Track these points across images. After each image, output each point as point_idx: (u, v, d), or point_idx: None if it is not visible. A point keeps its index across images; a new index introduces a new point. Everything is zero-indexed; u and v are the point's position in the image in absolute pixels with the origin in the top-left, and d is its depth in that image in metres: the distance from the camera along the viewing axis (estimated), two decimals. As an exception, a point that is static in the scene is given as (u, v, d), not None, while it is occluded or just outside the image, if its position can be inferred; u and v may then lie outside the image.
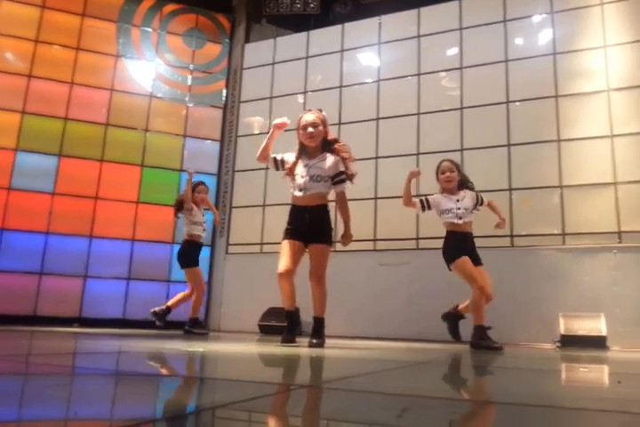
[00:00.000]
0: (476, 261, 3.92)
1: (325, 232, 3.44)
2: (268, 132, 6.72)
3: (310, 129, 3.43)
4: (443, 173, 4.13)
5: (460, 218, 4.00)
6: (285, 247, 3.40)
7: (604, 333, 4.51)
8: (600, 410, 1.26)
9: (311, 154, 3.49)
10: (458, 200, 4.03)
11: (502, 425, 1.13)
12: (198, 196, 5.13)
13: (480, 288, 3.70)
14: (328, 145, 3.49)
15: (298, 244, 3.39)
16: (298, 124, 3.51)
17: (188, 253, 5.03)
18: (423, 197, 4.19)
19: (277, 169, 3.59)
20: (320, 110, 3.59)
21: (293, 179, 3.49)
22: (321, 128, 3.45)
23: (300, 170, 3.46)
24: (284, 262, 3.35)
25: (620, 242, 4.93)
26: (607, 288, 4.81)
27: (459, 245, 3.91)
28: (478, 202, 4.06)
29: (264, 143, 3.56)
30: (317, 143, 3.47)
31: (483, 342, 3.64)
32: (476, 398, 1.40)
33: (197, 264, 5.05)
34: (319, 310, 3.42)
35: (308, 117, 3.47)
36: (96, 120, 6.60)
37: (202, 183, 5.23)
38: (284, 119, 3.50)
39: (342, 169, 3.43)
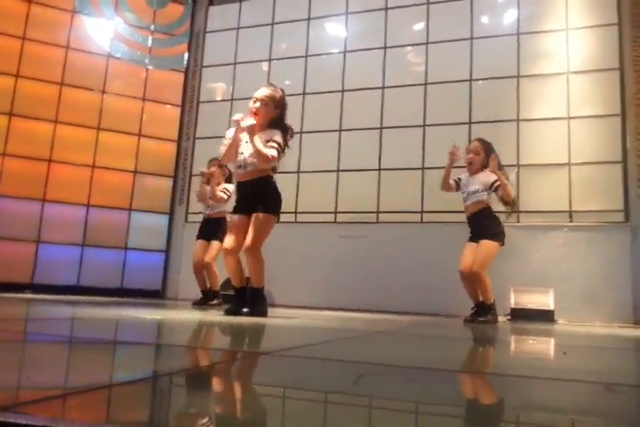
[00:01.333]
0: (478, 238, 4.01)
1: (264, 202, 3.32)
2: (230, 100, 6.71)
3: (257, 104, 3.33)
4: (467, 153, 4.15)
5: (465, 201, 4.09)
6: (230, 224, 3.49)
7: (551, 307, 4.73)
8: (547, 378, 1.32)
9: (254, 131, 3.28)
10: (468, 182, 4.11)
11: (453, 390, 1.18)
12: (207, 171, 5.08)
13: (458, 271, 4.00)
14: (274, 125, 3.37)
15: (242, 218, 3.36)
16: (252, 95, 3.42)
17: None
18: (456, 178, 4.22)
19: None
20: (282, 90, 3.48)
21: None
22: (270, 107, 3.34)
23: (242, 146, 3.36)
24: (227, 240, 3.40)
25: (570, 221, 5.11)
26: (557, 265, 5.00)
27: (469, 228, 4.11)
28: (491, 188, 4.02)
29: (227, 143, 3.37)
30: (261, 122, 3.32)
31: (466, 317, 3.99)
32: (427, 366, 1.45)
33: (199, 237, 5.11)
34: (256, 281, 3.36)
35: (261, 91, 3.38)
36: (50, 79, 6.31)
37: (215, 159, 5.11)
38: (241, 115, 3.34)
39: (276, 139, 3.31)
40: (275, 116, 3.37)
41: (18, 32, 6.19)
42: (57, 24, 6.46)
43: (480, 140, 4.23)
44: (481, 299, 3.97)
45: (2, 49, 6.10)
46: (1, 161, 5.93)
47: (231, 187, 4.90)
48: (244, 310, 3.27)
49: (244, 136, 3.35)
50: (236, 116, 3.36)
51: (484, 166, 4.09)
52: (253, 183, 3.35)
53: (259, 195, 3.33)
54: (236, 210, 3.44)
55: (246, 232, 3.32)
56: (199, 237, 5.12)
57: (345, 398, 1.01)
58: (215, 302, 4.95)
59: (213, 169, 5.00)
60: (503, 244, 4.03)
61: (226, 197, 4.98)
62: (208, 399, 0.97)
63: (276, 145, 3.28)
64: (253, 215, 3.31)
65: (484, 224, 4.01)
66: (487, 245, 3.97)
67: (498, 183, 3.98)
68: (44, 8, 6.40)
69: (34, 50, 6.26)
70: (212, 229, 5.02)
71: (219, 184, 5.06)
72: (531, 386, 1.22)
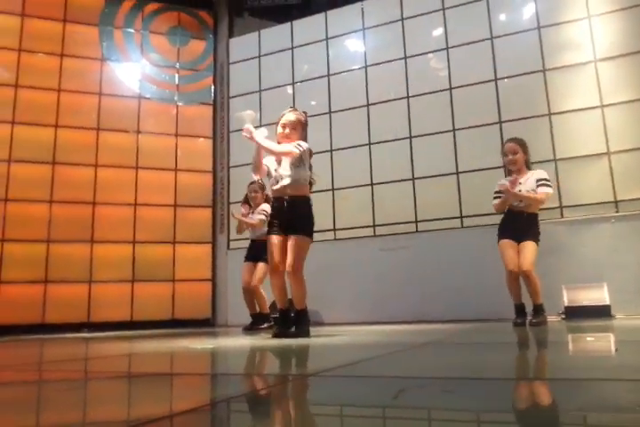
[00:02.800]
0: (522, 238, 3.91)
1: (301, 224, 3.39)
2: (259, 126, 6.81)
3: (287, 130, 3.48)
4: (506, 156, 4.05)
5: (521, 201, 3.96)
6: (270, 245, 3.45)
7: (607, 301, 4.52)
8: (598, 379, 1.27)
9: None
10: (520, 183, 3.94)
11: (497, 402, 1.15)
12: (249, 195, 5.13)
13: (507, 271, 3.87)
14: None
15: (280, 238, 3.41)
16: (278, 120, 3.56)
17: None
18: (495, 194, 4.07)
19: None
20: (305, 113, 3.65)
21: (270, 175, 3.51)
22: (299, 130, 3.51)
23: (273, 165, 3.48)
24: (270, 261, 3.45)
25: (617, 211, 4.93)
26: (607, 258, 4.81)
27: (505, 226, 4.01)
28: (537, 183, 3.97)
29: (253, 156, 3.47)
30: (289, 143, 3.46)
31: (515, 319, 3.86)
32: (471, 376, 1.42)
33: (247, 260, 5.10)
34: (299, 303, 3.40)
35: (287, 116, 3.52)
36: (87, 125, 6.59)
37: (252, 183, 5.21)
38: (247, 126, 3.38)
39: (300, 142, 3.45)
40: (302, 138, 3.53)
41: (53, 84, 6.52)
42: (88, 73, 6.76)
43: (513, 139, 4.14)
44: (536, 300, 3.86)
45: (41, 102, 6.42)
46: (49, 208, 6.20)
47: (267, 207, 4.89)
48: (292, 331, 3.31)
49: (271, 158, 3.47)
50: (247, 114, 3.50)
51: (526, 163, 4.04)
52: (292, 201, 3.42)
53: (295, 215, 3.40)
54: (272, 230, 3.48)
55: (286, 251, 3.37)
56: (247, 259, 5.10)
57: (383, 413, 1.01)
58: (265, 325, 4.94)
59: (257, 195, 5.06)
60: None
61: (265, 218, 4.93)
62: (261, 425, 0.98)
63: (299, 146, 3.40)
64: (292, 237, 3.35)
65: (533, 225, 3.98)
66: (533, 245, 3.88)
67: (544, 182, 3.95)
68: (75, 59, 6.71)
69: (69, 100, 6.56)
70: (258, 251, 4.95)
71: (259, 206, 5.06)
72: (576, 389, 1.18)
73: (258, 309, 5.02)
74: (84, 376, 1.86)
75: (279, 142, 3.50)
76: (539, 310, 3.84)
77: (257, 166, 3.46)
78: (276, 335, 3.34)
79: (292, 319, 3.42)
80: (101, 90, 6.77)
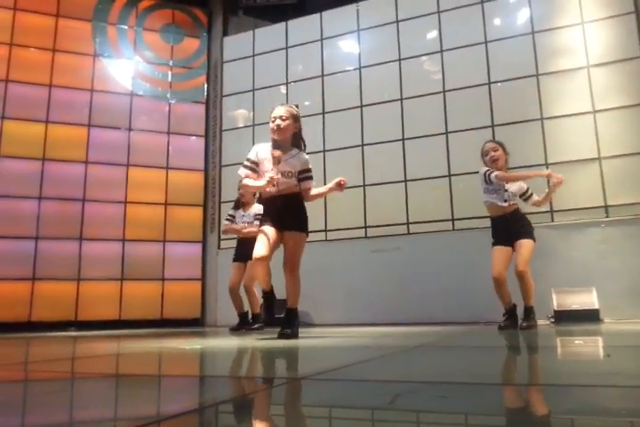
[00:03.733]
0: (516, 237, 3.91)
1: (297, 220, 3.39)
2: (252, 126, 6.80)
3: (278, 122, 3.41)
4: (487, 155, 4.02)
5: (506, 201, 3.95)
6: (261, 234, 3.38)
7: (596, 306, 4.56)
8: (586, 385, 1.27)
9: (280, 148, 3.40)
10: (506, 190, 3.97)
11: (491, 407, 1.15)
12: (239, 192, 5.04)
13: (493, 278, 3.85)
14: (297, 140, 3.51)
15: (273, 230, 3.35)
16: (269, 117, 3.51)
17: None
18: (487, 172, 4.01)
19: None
20: (296, 106, 3.58)
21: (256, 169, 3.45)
22: (289, 122, 3.42)
23: (270, 166, 3.37)
24: (259, 248, 3.33)
25: (607, 216, 4.97)
26: (597, 262, 4.86)
27: (496, 231, 4.00)
28: (525, 194, 4.07)
29: (254, 185, 3.45)
30: (285, 137, 3.43)
31: (501, 323, 3.83)
32: (464, 381, 1.41)
33: (234, 260, 5.04)
34: (293, 301, 3.39)
35: (277, 111, 3.46)
36: (78, 121, 6.54)
37: None
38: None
39: (309, 166, 3.47)
40: (296, 130, 3.50)
41: (45, 80, 6.46)
42: (80, 68, 6.71)
43: (491, 140, 4.18)
44: (528, 302, 3.85)
45: (32, 98, 6.36)
46: (38, 204, 6.14)
47: (262, 209, 4.90)
48: (285, 331, 3.29)
49: (270, 156, 3.38)
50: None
51: (505, 161, 4.05)
52: (284, 198, 3.40)
53: (290, 211, 3.39)
54: (266, 222, 3.42)
55: (277, 242, 3.35)
56: (236, 258, 5.01)
57: (380, 417, 1.00)
58: (256, 326, 4.89)
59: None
60: None
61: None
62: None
63: (311, 174, 3.47)
64: (288, 234, 3.35)
65: (523, 224, 3.96)
66: (529, 243, 3.88)
67: (531, 192, 4.06)
68: (67, 55, 6.66)
69: (61, 95, 6.51)
70: (248, 249, 4.91)
71: (249, 204, 5.02)
72: (566, 394, 1.17)
73: (247, 309, 4.99)
74: (69, 377, 1.83)
75: (272, 136, 3.45)
76: (529, 312, 3.81)
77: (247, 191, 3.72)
78: (281, 336, 3.30)
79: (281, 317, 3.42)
80: (93, 86, 6.73)
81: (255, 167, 3.42)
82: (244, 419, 1.08)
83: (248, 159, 3.45)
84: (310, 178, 3.46)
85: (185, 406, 1.20)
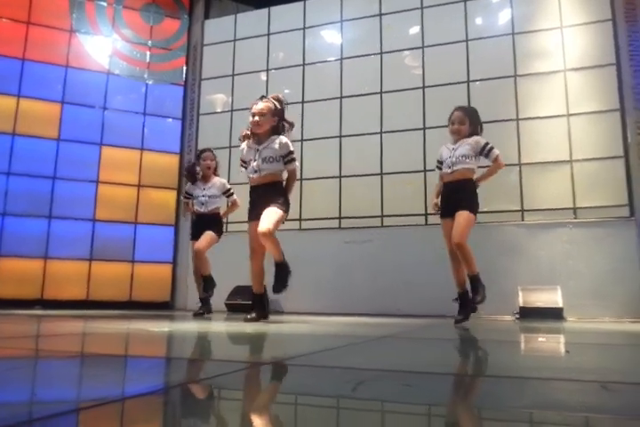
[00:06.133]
0: (456, 209, 3.65)
1: (277, 200, 3.61)
2: (230, 111, 6.74)
3: (257, 118, 3.67)
4: (452, 124, 3.84)
5: (450, 167, 3.71)
6: (251, 229, 3.66)
7: (560, 304, 4.68)
8: (544, 378, 1.32)
9: (261, 139, 3.72)
10: (453, 149, 3.74)
11: (454, 396, 1.19)
12: (203, 163, 4.83)
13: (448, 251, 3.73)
14: (277, 130, 3.74)
15: (257, 223, 3.56)
16: (250, 109, 3.77)
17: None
18: (438, 164, 3.92)
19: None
20: (277, 98, 3.76)
21: (247, 166, 3.76)
22: (267, 117, 3.68)
23: (252, 154, 3.70)
24: (252, 243, 3.65)
25: (575, 218, 5.10)
26: (563, 262, 4.99)
27: (444, 201, 3.79)
28: (482, 152, 3.69)
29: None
30: (264, 130, 3.70)
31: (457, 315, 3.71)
32: (428, 370, 1.46)
33: (192, 238, 4.90)
34: (277, 256, 3.59)
35: (257, 106, 3.71)
36: (51, 98, 6.39)
37: (207, 150, 4.96)
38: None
39: (291, 149, 3.71)
40: (275, 124, 3.74)
41: (17, 53, 6.28)
42: (55, 43, 6.54)
43: (461, 108, 3.96)
44: (471, 270, 3.63)
45: (3, 70, 6.19)
46: (6, 179, 6.00)
47: (226, 182, 4.90)
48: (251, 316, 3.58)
49: (253, 145, 3.73)
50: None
51: (471, 135, 3.78)
52: (266, 187, 3.67)
53: (271, 196, 3.63)
54: (251, 217, 3.69)
55: None
56: (195, 236, 4.80)
57: (342, 405, 1.03)
58: (201, 311, 4.73)
59: (212, 163, 4.83)
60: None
61: (235, 196, 4.89)
62: (209, 412, 0.99)
63: (294, 155, 3.70)
64: (267, 208, 3.56)
65: (466, 197, 3.67)
66: (467, 215, 3.60)
67: (490, 146, 3.71)
68: (42, 29, 6.48)
69: (34, 70, 6.34)
70: (206, 225, 4.74)
71: (213, 174, 4.86)
72: (525, 387, 1.22)
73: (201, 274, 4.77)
74: (33, 355, 1.82)
75: (252, 130, 3.73)
76: (476, 284, 3.62)
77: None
78: (249, 320, 3.54)
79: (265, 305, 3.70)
80: (68, 62, 6.56)
81: (246, 165, 3.76)
82: (204, 402, 1.09)
83: (241, 159, 3.82)
84: (293, 160, 3.69)
85: (147, 386, 1.20)
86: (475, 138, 3.77)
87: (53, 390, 1.13)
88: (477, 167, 3.79)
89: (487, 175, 3.81)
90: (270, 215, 3.53)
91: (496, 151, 3.73)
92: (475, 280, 3.66)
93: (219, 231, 4.82)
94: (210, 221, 4.79)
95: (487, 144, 3.74)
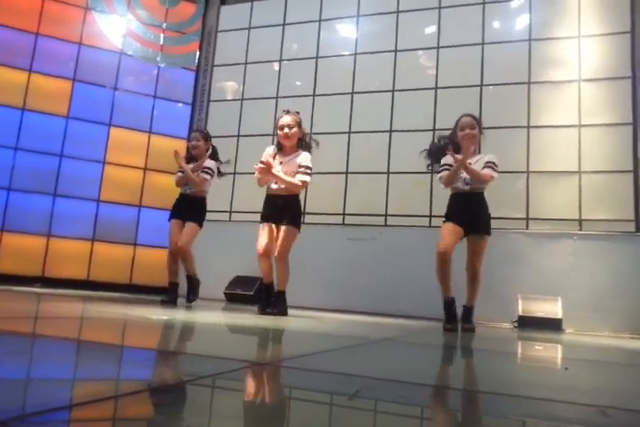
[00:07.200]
0: (474, 226, 3.63)
1: (293, 216, 3.93)
2: (240, 100, 6.72)
3: (286, 130, 3.94)
4: (462, 130, 3.72)
5: (467, 184, 3.67)
6: (262, 230, 3.95)
7: (559, 315, 4.67)
8: (539, 398, 1.33)
9: (286, 152, 4.00)
10: (470, 163, 3.61)
11: (446, 411, 1.20)
12: (189, 144, 4.75)
13: (437, 253, 3.58)
14: (302, 143, 4.07)
15: (272, 226, 3.92)
16: (275, 124, 4.08)
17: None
18: (446, 166, 3.77)
19: None
20: (297, 113, 4.08)
21: None
22: (295, 130, 3.97)
23: (276, 166, 3.91)
24: (262, 244, 3.90)
25: (580, 229, 5.09)
26: (565, 273, 4.97)
27: (457, 208, 3.73)
28: (486, 164, 3.67)
29: (258, 178, 3.97)
30: (292, 143, 3.99)
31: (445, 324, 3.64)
32: (423, 382, 1.46)
33: (170, 218, 4.67)
34: (281, 285, 3.96)
35: (285, 119, 3.98)
36: (63, 75, 6.36)
37: (196, 130, 4.87)
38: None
39: (310, 165, 3.95)
40: (300, 135, 4.04)
41: (32, 27, 6.24)
42: (70, 20, 6.50)
43: (469, 114, 3.89)
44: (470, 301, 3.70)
45: (16, 44, 6.15)
46: (13, 155, 5.99)
47: (213, 165, 4.58)
48: (275, 311, 3.84)
49: (279, 157, 4.00)
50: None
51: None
52: (285, 199, 3.94)
53: (288, 209, 3.91)
54: (265, 219, 3.97)
55: (276, 239, 3.89)
56: (174, 216, 4.60)
57: (338, 413, 1.04)
58: (190, 299, 4.56)
59: (198, 143, 4.63)
60: None
61: (209, 178, 4.55)
62: (203, 412, 0.99)
63: (309, 171, 3.93)
64: (283, 227, 3.86)
65: (483, 216, 3.68)
66: (486, 242, 3.66)
67: (495, 166, 3.68)
68: (57, 4, 6.44)
69: (47, 45, 6.30)
70: (190, 208, 4.55)
71: (201, 159, 4.60)
72: (518, 406, 1.23)
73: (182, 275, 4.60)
74: (29, 340, 1.82)
75: (281, 142, 4.01)
76: (468, 314, 3.69)
77: (261, 184, 4.03)
78: (263, 313, 3.85)
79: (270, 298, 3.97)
80: (82, 39, 6.52)
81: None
82: (195, 402, 1.07)
83: (261, 161, 3.94)
84: (306, 174, 3.91)
85: (139, 383, 1.21)
86: (490, 156, 3.78)
87: (44, 378, 1.14)
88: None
89: (475, 172, 3.63)
90: (287, 237, 3.84)
91: (495, 174, 3.68)
92: (467, 311, 3.74)
93: (200, 220, 4.58)
94: (193, 206, 4.55)
95: (494, 163, 3.71)
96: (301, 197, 5.95)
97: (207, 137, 4.77)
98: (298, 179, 3.88)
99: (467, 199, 3.72)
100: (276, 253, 3.85)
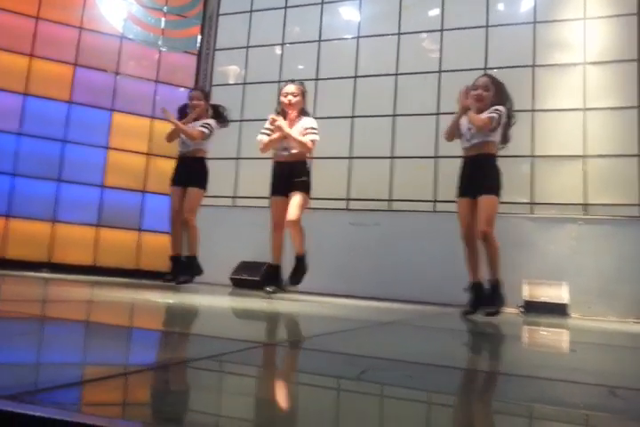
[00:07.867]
0: (479, 192, 3.43)
1: (302, 183, 4.01)
2: (242, 84, 6.67)
3: (290, 97, 4.05)
4: (475, 90, 3.52)
5: (469, 140, 3.50)
6: (273, 204, 4.09)
7: (565, 300, 4.68)
8: (548, 379, 1.35)
9: (289, 121, 4.08)
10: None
11: (454, 390, 1.21)
12: (189, 103, 4.54)
13: (461, 235, 3.51)
14: (304, 113, 4.20)
15: (284, 198, 3.99)
16: (280, 92, 4.21)
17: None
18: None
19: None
20: (301, 83, 4.21)
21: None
22: (299, 98, 4.09)
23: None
24: (274, 218, 4.02)
25: (585, 214, 5.08)
26: (570, 258, 4.97)
27: (463, 178, 3.58)
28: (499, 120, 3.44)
29: (269, 139, 4.06)
30: (295, 110, 4.09)
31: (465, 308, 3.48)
32: (430, 362, 1.48)
33: (172, 184, 4.52)
34: (299, 249, 4.05)
35: (290, 88, 4.11)
36: (64, 59, 6.31)
37: (195, 89, 4.82)
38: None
39: (315, 126, 4.10)
40: (303, 105, 4.19)
41: (32, 11, 6.18)
42: (69, 3, 6.43)
43: (489, 75, 3.67)
44: (493, 273, 3.33)
45: (16, 28, 6.10)
46: (17, 141, 5.98)
47: (213, 122, 4.44)
48: (293, 279, 4.06)
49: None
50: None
51: (493, 105, 3.50)
52: (293, 166, 4.02)
53: (298, 176, 3.99)
54: (275, 192, 4.07)
55: (286, 211, 3.92)
56: (175, 182, 4.44)
57: (345, 393, 1.05)
58: (182, 279, 4.27)
59: (199, 103, 4.49)
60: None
61: (207, 131, 4.37)
62: (213, 390, 1.01)
63: (315, 131, 4.05)
64: (294, 194, 3.94)
65: (488, 177, 3.45)
66: (492, 201, 3.40)
67: (498, 111, 3.45)
68: (58, -13, 6.37)
69: (47, 30, 6.25)
70: (189, 171, 4.36)
71: (201, 118, 4.45)
72: (527, 386, 1.25)
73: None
74: (39, 322, 1.84)
75: (285, 109, 4.09)
76: (493, 292, 3.32)
77: (267, 149, 4.14)
78: (271, 293, 3.91)
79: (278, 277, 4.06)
80: (82, 24, 6.46)
81: (270, 133, 4.06)
82: (209, 380, 1.10)
83: (265, 128, 4.12)
84: (311, 133, 4.03)
85: (149, 361, 1.22)
86: (496, 107, 3.48)
87: (55, 356, 1.15)
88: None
89: (475, 117, 3.47)
90: (297, 203, 3.90)
91: (495, 116, 3.42)
92: (494, 286, 3.34)
93: (202, 183, 4.38)
94: (193, 169, 4.37)
95: (498, 110, 3.45)
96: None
97: (207, 96, 4.61)
98: (308, 138, 3.98)
99: (471, 166, 3.54)
100: (287, 219, 3.87)
